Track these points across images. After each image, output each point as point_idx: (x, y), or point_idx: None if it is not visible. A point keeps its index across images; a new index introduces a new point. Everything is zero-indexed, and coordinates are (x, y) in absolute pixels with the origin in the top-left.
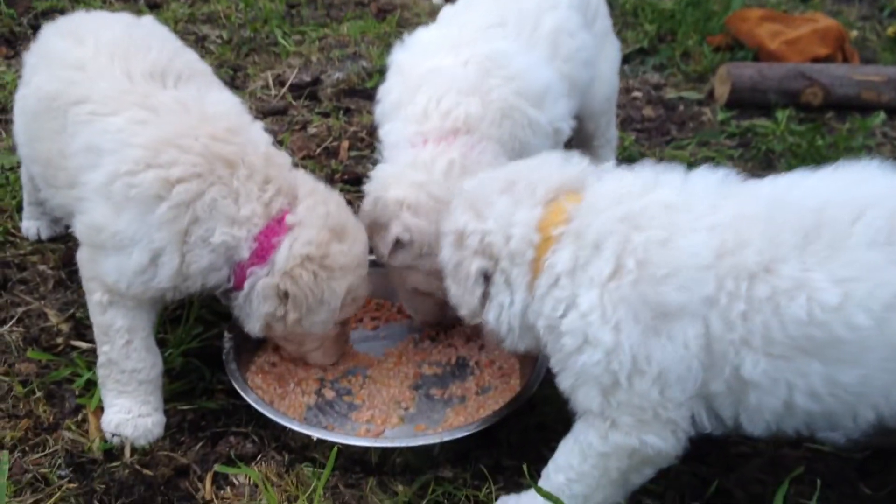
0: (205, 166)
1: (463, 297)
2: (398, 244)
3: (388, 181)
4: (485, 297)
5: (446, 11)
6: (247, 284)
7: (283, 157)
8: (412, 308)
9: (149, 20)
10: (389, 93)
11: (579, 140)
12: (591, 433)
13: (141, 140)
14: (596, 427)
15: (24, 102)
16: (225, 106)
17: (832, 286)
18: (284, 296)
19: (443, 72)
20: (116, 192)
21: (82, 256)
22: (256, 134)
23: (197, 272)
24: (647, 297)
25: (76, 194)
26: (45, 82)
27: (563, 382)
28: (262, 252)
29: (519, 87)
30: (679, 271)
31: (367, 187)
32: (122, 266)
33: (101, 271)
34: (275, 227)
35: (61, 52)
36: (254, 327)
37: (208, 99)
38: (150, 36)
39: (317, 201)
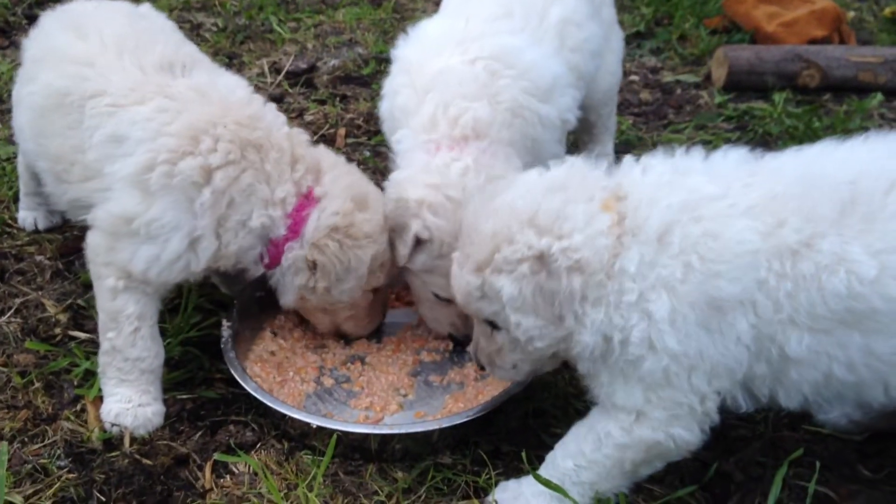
0: (237, 152)
1: (552, 325)
2: (419, 243)
3: (405, 184)
4: (575, 320)
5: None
6: (284, 259)
7: (302, 135)
8: (435, 320)
9: (147, 8)
10: (397, 94)
11: (579, 128)
12: (611, 424)
13: (174, 128)
14: (619, 419)
15: (30, 99)
16: (241, 92)
17: (869, 258)
18: (313, 266)
19: (450, 74)
20: (154, 181)
21: (97, 243)
22: (273, 116)
23: (233, 253)
24: (709, 294)
25: (96, 186)
26: (54, 79)
27: (605, 386)
28: (296, 227)
29: (528, 84)
30: (731, 262)
31: (386, 193)
32: (154, 255)
33: (121, 259)
34: (304, 202)
35: (66, 48)
36: (288, 300)
37: (221, 85)
38: (154, 28)
39: (340, 173)
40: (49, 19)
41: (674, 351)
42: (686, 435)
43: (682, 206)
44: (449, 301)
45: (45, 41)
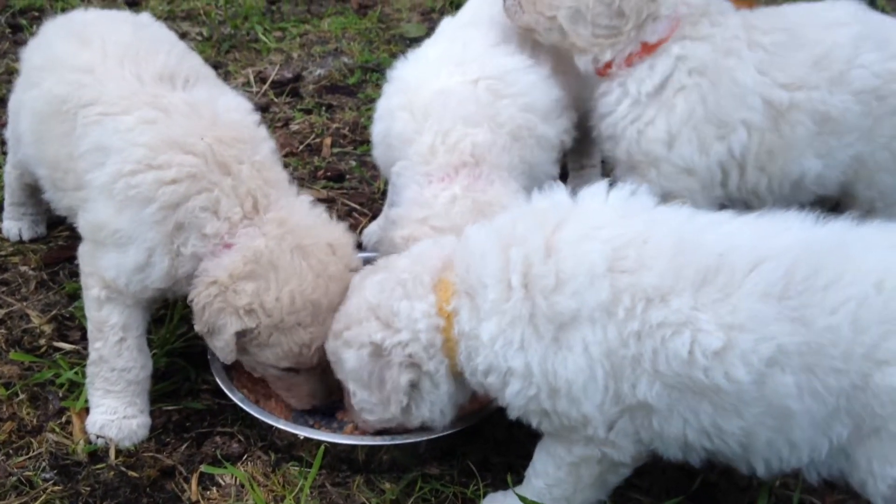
0: (201, 167)
1: (381, 405)
2: None
3: (396, 222)
4: (408, 404)
5: (447, 26)
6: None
7: (276, 173)
8: None
9: (148, 17)
10: (394, 119)
11: (573, 154)
12: (558, 446)
13: (145, 139)
14: (561, 440)
15: (32, 104)
16: (236, 115)
17: (716, 329)
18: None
19: (450, 96)
20: (118, 191)
21: (84, 251)
22: (260, 144)
23: (183, 276)
24: (540, 310)
25: (84, 195)
26: (54, 85)
27: (511, 415)
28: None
29: (528, 103)
30: (571, 279)
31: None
32: (121, 263)
33: (100, 267)
34: (221, 248)
35: (68, 55)
36: None
37: (220, 103)
38: (158, 38)
39: (262, 232)
40: (52, 28)
41: (520, 370)
42: (616, 454)
43: (498, 243)
44: None
45: (48, 49)
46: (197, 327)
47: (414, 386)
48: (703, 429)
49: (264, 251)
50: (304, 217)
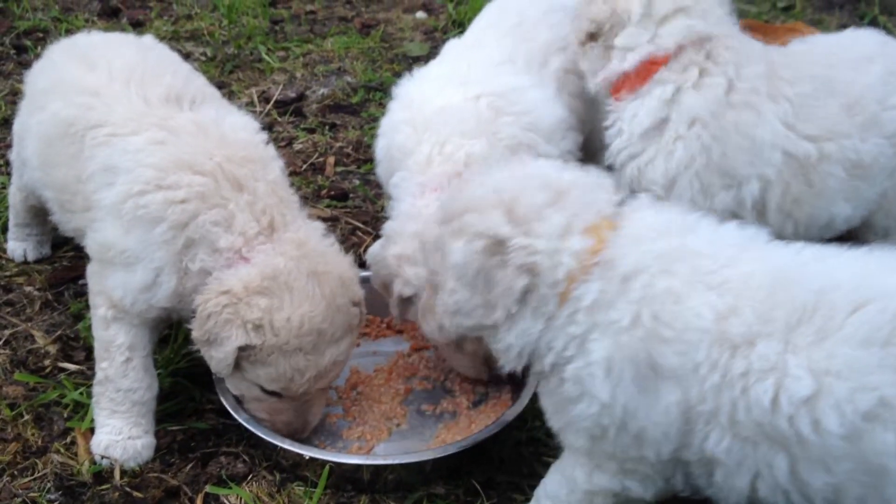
0: (211, 186)
1: (485, 309)
2: (406, 300)
3: (390, 238)
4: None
5: (453, 47)
6: None
7: (287, 192)
8: (460, 366)
9: (151, 40)
10: (396, 132)
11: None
12: (577, 470)
13: (154, 160)
14: (582, 465)
15: (38, 128)
16: (244, 134)
17: (807, 375)
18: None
19: (451, 112)
20: (127, 212)
21: (92, 271)
22: (270, 163)
23: (189, 293)
24: (651, 356)
25: (91, 215)
26: (61, 109)
27: (553, 422)
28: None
29: (531, 121)
30: (680, 333)
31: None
32: (127, 282)
33: (107, 286)
34: (237, 259)
35: (74, 78)
36: None
37: (227, 123)
38: (162, 60)
39: (281, 251)
40: (56, 51)
41: (604, 400)
42: (640, 489)
43: (659, 255)
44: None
45: (53, 72)
46: (195, 334)
47: (528, 292)
48: (778, 483)
49: (283, 270)
50: (318, 243)
